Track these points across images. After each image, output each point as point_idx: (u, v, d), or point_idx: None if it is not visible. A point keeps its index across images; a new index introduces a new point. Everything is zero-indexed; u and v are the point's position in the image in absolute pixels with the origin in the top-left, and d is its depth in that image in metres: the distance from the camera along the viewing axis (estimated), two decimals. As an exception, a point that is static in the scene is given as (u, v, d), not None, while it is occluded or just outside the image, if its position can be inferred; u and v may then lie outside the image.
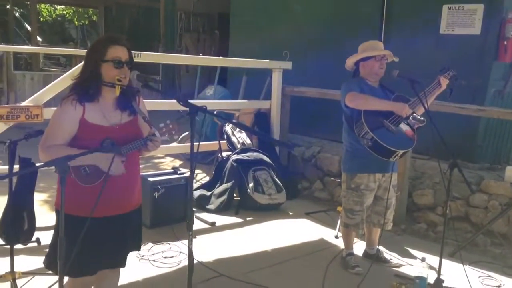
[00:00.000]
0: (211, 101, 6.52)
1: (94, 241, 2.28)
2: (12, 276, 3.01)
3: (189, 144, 6.21)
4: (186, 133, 7.07)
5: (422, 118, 3.64)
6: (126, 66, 2.30)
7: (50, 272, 3.24)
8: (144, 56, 5.07)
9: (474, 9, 5.41)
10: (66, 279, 2.44)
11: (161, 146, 5.25)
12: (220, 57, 7.13)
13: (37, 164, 2.02)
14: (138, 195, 2.54)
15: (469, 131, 5.51)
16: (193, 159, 2.30)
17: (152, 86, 2.36)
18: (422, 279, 3.29)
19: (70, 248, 2.05)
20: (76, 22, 20.44)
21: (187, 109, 2.22)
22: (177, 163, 7.12)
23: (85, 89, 2.28)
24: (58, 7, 20.06)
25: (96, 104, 2.30)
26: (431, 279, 3.42)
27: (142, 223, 2.68)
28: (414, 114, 3.60)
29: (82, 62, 2.37)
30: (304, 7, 7.29)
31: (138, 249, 2.64)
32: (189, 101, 2.29)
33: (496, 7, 5.34)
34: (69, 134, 2.27)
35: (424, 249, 4.30)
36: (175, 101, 2.32)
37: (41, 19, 18.93)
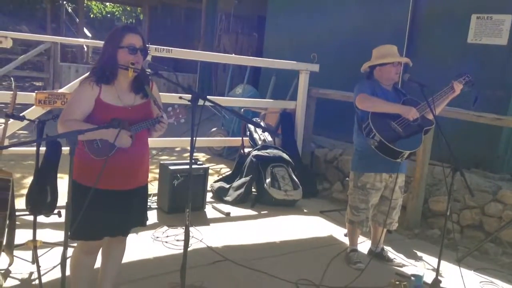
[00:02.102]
0: (239, 99, 6.75)
1: (99, 210, 2.51)
2: (33, 244, 3.29)
3: (215, 139, 6.51)
4: (214, 128, 7.35)
5: (431, 121, 3.72)
6: (139, 53, 2.53)
7: (70, 244, 3.56)
8: (175, 52, 5.36)
9: (502, 19, 5.40)
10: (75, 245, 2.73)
11: (176, 139, 5.53)
12: (249, 57, 7.35)
13: (53, 135, 2.27)
14: (145, 174, 2.78)
15: (491, 141, 5.49)
16: (192, 145, 2.45)
17: (161, 75, 2.58)
18: (418, 277, 3.38)
19: (77, 213, 2.31)
20: (123, 19, 21.22)
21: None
22: (205, 157, 7.38)
23: (102, 72, 2.53)
24: (108, 4, 20.88)
25: (112, 86, 2.55)
26: (430, 279, 3.52)
27: (147, 200, 2.90)
28: (424, 117, 3.69)
29: (102, 50, 2.62)
30: (336, 12, 7.42)
31: (143, 224, 2.86)
32: (194, 90, 2.49)
33: (524, 17, 5.32)
34: (86, 111, 2.53)
35: (432, 253, 4.35)
36: (174, 94, 2.52)
37: (91, 15, 19.77)
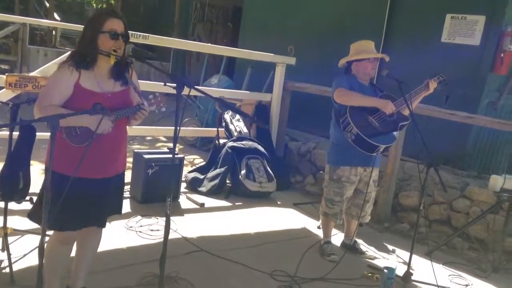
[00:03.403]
0: (214, 89, 6.70)
1: (77, 199, 2.45)
2: (4, 230, 3.20)
3: (187, 128, 6.40)
4: (187, 118, 7.29)
5: (407, 117, 3.80)
6: (121, 39, 2.47)
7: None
8: (152, 39, 5.27)
9: (476, 20, 5.53)
10: (50, 233, 2.66)
11: (159, 127, 5.46)
12: (226, 47, 7.31)
13: (31, 119, 2.20)
14: (122, 161, 2.73)
15: (460, 139, 5.63)
16: (176, 136, 2.40)
17: (146, 61, 2.53)
18: (390, 269, 3.44)
19: (54, 203, 2.24)
20: (94, 4, 20.68)
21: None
22: (178, 147, 7.31)
23: (83, 57, 2.46)
24: (78, -13, 20.30)
25: (91, 72, 2.49)
26: (401, 272, 3.60)
27: (123, 188, 2.85)
28: (400, 113, 3.77)
29: (81, 34, 2.55)
30: (313, 5, 7.45)
31: (119, 212, 2.82)
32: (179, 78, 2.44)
33: (497, 19, 5.47)
34: (64, 96, 2.46)
35: (402, 247, 4.45)
36: (158, 83, 2.47)
37: (60, -2, 19.17)
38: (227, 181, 5.50)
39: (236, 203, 5.16)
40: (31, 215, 2.62)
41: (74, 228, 2.61)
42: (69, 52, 2.59)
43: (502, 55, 5.33)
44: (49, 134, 2.12)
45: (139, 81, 2.81)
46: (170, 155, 4.86)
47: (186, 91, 2.38)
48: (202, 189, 5.27)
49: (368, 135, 3.63)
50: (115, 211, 2.81)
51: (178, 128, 2.34)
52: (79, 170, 2.38)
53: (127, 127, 2.74)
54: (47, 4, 16.25)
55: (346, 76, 3.92)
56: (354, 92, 3.75)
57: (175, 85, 2.34)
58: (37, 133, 3.20)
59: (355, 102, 3.70)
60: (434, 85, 3.81)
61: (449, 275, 3.97)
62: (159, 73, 10.42)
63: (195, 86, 2.47)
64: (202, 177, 5.42)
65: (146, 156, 4.67)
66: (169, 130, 6.15)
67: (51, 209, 2.15)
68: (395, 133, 3.79)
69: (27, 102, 3.09)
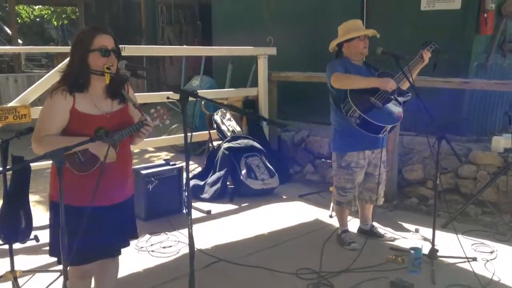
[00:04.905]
0: (202, 91, 6.52)
1: (90, 230, 2.29)
2: (13, 275, 3.03)
3: (178, 136, 6.20)
4: (175, 125, 7.09)
5: (408, 92, 3.72)
6: (113, 54, 2.31)
7: (51, 268, 3.30)
8: (129, 50, 5.06)
9: (454, -17, 5.46)
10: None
11: (151, 139, 5.28)
12: (205, 47, 7.13)
13: (33, 158, 2.02)
14: (131, 184, 2.58)
15: (454, 105, 5.58)
16: (187, 148, 2.29)
17: (141, 75, 2.37)
18: (417, 250, 3.37)
19: (69, 238, 2.08)
20: (55, 22, 20.18)
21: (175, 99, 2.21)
22: (169, 155, 7.13)
23: (75, 80, 2.29)
24: (36, 7, 19.77)
25: (86, 94, 2.32)
26: (426, 250, 3.53)
27: (134, 212, 2.70)
28: (400, 89, 3.67)
29: (69, 55, 2.37)
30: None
31: (136, 237, 2.68)
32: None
33: (474, -20, 5.40)
34: (61, 124, 2.29)
35: (417, 222, 4.38)
36: (162, 93, 2.33)
37: (19, 20, 18.64)
38: (228, 183, 5.35)
39: (242, 205, 5.02)
40: (52, 254, 2.46)
41: (90, 260, 2.45)
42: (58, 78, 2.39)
43: (485, 15, 5.26)
44: (44, 162, 1.96)
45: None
46: (168, 167, 4.70)
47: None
48: (205, 195, 5.12)
49: (373, 116, 3.52)
50: (131, 237, 2.65)
51: (186, 136, 2.20)
52: (86, 200, 2.24)
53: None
54: (7, 30, 15.76)
55: (339, 60, 3.80)
56: (351, 75, 3.64)
57: (178, 96, 2.21)
58: (32, 164, 3.02)
59: (355, 85, 3.59)
60: (428, 55, 3.74)
61: (472, 245, 3.91)
62: (148, 84, 10.21)
63: (199, 95, 2.32)
64: (202, 183, 5.27)
65: (144, 172, 4.50)
66: (160, 141, 6.00)
67: (70, 245, 2.00)
68: (399, 110, 3.69)
69: (16, 136, 2.89)
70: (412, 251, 3.38)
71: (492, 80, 5.31)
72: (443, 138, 3.35)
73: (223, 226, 4.45)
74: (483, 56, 5.70)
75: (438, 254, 3.57)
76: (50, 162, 2.05)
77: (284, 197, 5.30)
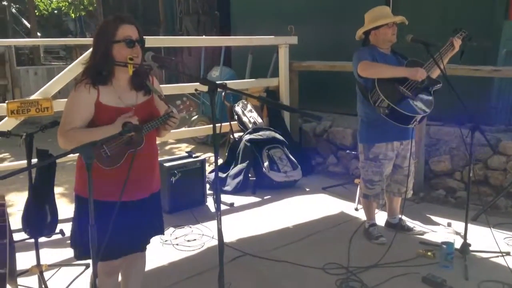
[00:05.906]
0: (219, 82, 6.45)
1: (117, 225, 2.24)
2: (39, 269, 3.01)
3: (200, 128, 6.14)
4: (195, 116, 7.04)
5: (439, 81, 3.59)
6: (137, 45, 2.24)
7: (76, 262, 3.27)
8: (149, 41, 4.98)
9: (484, -33, 5.27)
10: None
11: (172, 131, 5.21)
12: (226, 37, 7.04)
13: (60, 153, 1.97)
14: (157, 178, 2.52)
15: (483, 94, 5.41)
16: (216, 139, 2.23)
17: (168, 67, 2.31)
18: (450, 244, 3.26)
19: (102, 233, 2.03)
20: (72, 14, 20.23)
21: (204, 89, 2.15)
22: (189, 147, 7.10)
23: (98, 72, 2.23)
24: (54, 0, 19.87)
25: (110, 86, 2.27)
26: (457, 244, 3.42)
27: (161, 207, 2.65)
28: (430, 77, 3.54)
29: (92, 46, 2.31)
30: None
31: (162, 232, 2.63)
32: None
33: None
34: (86, 117, 2.25)
35: (445, 215, 4.28)
36: (189, 84, 2.27)
37: (37, 13, 18.73)
38: (250, 175, 5.28)
39: (265, 197, 4.96)
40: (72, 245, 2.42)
41: (116, 256, 2.40)
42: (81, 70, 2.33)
43: (515, 0, 5.08)
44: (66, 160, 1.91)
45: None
46: (191, 160, 4.64)
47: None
48: (227, 188, 5.07)
49: (403, 106, 3.41)
50: (157, 232, 2.61)
51: (219, 125, 2.14)
52: (112, 194, 2.19)
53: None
54: (26, 23, 15.86)
55: (366, 48, 3.68)
56: (379, 63, 3.52)
57: (207, 87, 2.14)
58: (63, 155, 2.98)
59: (383, 74, 3.47)
60: (459, 42, 3.61)
61: (504, 238, 3.79)
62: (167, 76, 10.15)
63: (227, 86, 2.24)
64: (224, 175, 5.21)
65: (167, 164, 4.46)
66: (181, 132, 5.94)
67: (100, 242, 1.95)
68: (430, 99, 3.56)
69: (40, 129, 2.85)
70: (444, 246, 3.28)
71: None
72: (477, 129, 3.22)
73: (246, 219, 4.39)
74: (512, 42, 5.51)
75: (471, 248, 3.46)
76: (72, 155, 2.00)
77: (307, 189, 5.22)
